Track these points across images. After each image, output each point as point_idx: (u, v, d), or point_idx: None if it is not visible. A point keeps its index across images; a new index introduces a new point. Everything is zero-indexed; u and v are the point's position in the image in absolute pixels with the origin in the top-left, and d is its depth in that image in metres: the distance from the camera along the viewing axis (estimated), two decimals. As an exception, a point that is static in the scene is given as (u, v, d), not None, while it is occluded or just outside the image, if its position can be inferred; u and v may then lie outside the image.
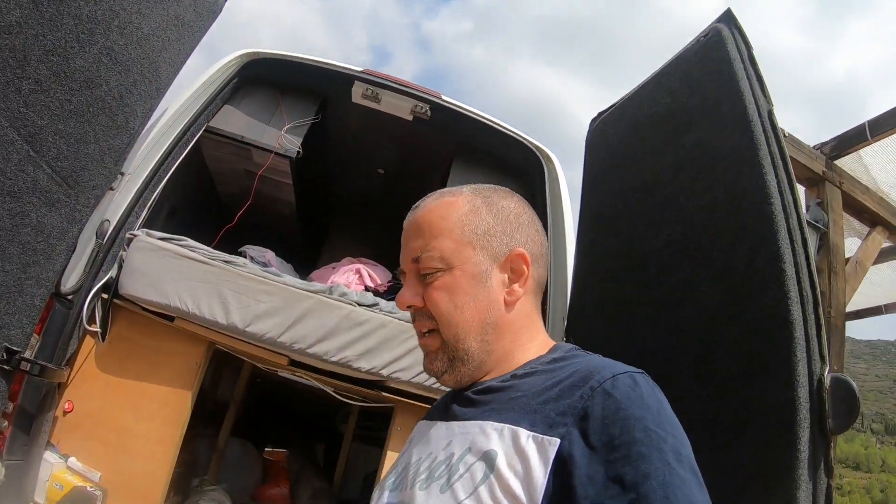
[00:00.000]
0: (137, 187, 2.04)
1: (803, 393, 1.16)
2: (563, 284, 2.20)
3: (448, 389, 0.96)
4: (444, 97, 2.56)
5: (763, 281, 1.29)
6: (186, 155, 2.27)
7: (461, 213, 0.87)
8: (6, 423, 1.61)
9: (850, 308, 4.53)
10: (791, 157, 2.71)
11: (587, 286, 2.04)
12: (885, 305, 4.42)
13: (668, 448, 0.64)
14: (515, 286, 0.87)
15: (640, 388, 0.70)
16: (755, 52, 1.57)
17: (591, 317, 1.96)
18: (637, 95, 2.04)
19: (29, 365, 1.56)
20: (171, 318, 2.00)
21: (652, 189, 1.79)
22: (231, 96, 2.44)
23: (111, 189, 1.92)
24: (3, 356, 1.43)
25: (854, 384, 1.22)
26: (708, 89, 1.63)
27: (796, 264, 1.26)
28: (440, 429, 0.84)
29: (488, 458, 0.70)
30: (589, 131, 2.26)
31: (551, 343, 0.90)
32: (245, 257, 2.59)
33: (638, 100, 2.01)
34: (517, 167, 2.69)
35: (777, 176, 1.37)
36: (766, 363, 1.25)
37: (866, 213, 3.07)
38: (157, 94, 1.93)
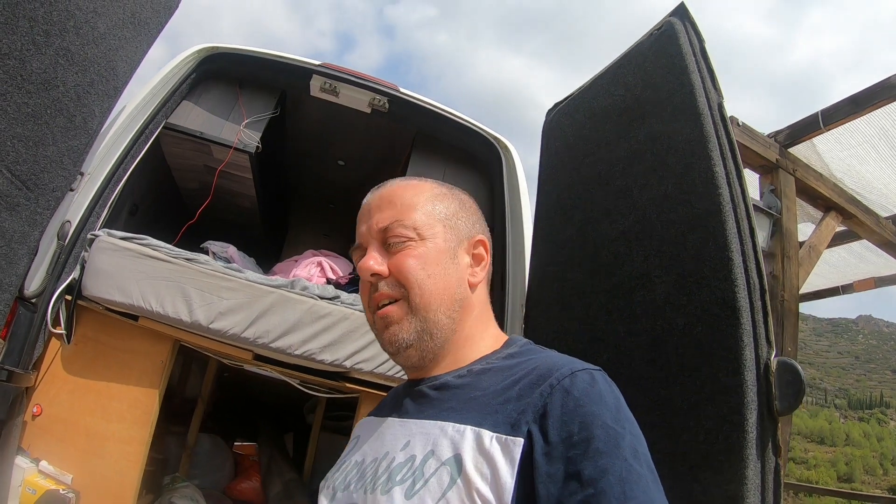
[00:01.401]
0: (97, 187, 2.02)
1: (750, 377, 1.22)
2: (521, 273, 2.27)
3: (403, 378, 0.96)
4: (401, 89, 2.59)
5: (712, 269, 1.35)
6: (146, 153, 2.25)
7: (431, 195, 0.89)
8: (-25, 430, 1.60)
9: (809, 289, 4.81)
10: (745, 145, 2.88)
11: (545, 275, 2.10)
12: (841, 286, 4.70)
13: (625, 445, 0.65)
14: (478, 269, 0.89)
15: (598, 385, 0.71)
16: (707, 45, 1.63)
17: (549, 305, 2.02)
18: (593, 87, 2.09)
19: (-4, 371, 1.55)
20: (136, 318, 1.99)
21: (607, 180, 1.84)
22: (189, 92, 2.41)
23: (71, 190, 1.89)
24: (-29, 362, 1.43)
25: (799, 367, 1.27)
26: (661, 82, 1.68)
27: (744, 253, 1.32)
28: (393, 426, 0.83)
29: (454, 462, 0.69)
30: (545, 121, 2.31)
31: (504, 336, 0.91)
32: (207, 253, 2.58)
33: (594, 91, 2.07)
34: (475, 157, 2.75)
35: (726, 167, 1.43)
36: (714, 348, 1.30)
37: (820, 199, 3.25)
38: (115, 92, 1.91)
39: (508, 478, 0.65)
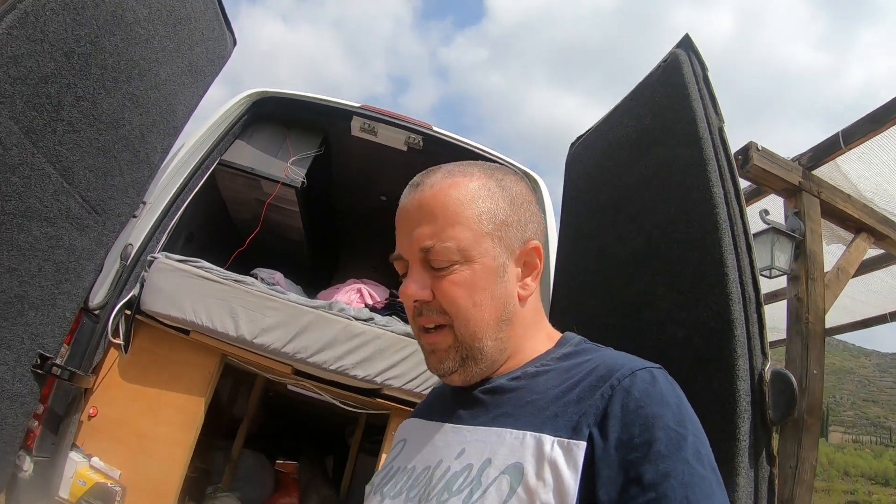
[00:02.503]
0: (157, 215, 2.27)
1: (743, 386, 1.24)
2: (546, 301, 2.35)
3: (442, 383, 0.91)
4: (434, 128, 2.78)
5: (709, 285, 1.39)
6: (202, 185, 2.51)
7: (478, 200, 0.79)
8: (36, 423, 1.82)
9: (853, 318, 4.59)
10: (766, 169, 2.87)
11: (566, 302, 2.17)
12: (889, 313, 4.46)
13: (687, 447, 0.62)
14: (528, 280, 0.82)
15: (658, 384, 0.68)
16: (709, 73, 1.69)
17: (569, 328, 2.09)
18: (609, 119, 2.20)
19: (59, 370, 1.77)
20: (187, 332, 2.20)
21: (620, 206, 1.92)
22: (242, 132, 2.68)
23: (134, 216, 2.15)
24: (36, 361, 1.65)
25: (792, 377, 1.29)
26: (667, 111, 1.76)
27: (739, 268, 1.36)
28: (445, 432, 0.79)
29: (514, 471, 0.66)
30: (568, 154, 2.42)
31: (557, 334, 0.87)
32: (256, 279, 2.81)
33: (609, 123, 2.17)
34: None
35: (724, 187, 1.47)
36: (710, 359, 1.33)
37: (850, 221, 3.17)
38: (175, 131, 2.17)
39: (572, 483, 0.63)
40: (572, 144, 2.45)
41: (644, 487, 0.59)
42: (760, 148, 2.77)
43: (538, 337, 0.84)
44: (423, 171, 0.83)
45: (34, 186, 1.56)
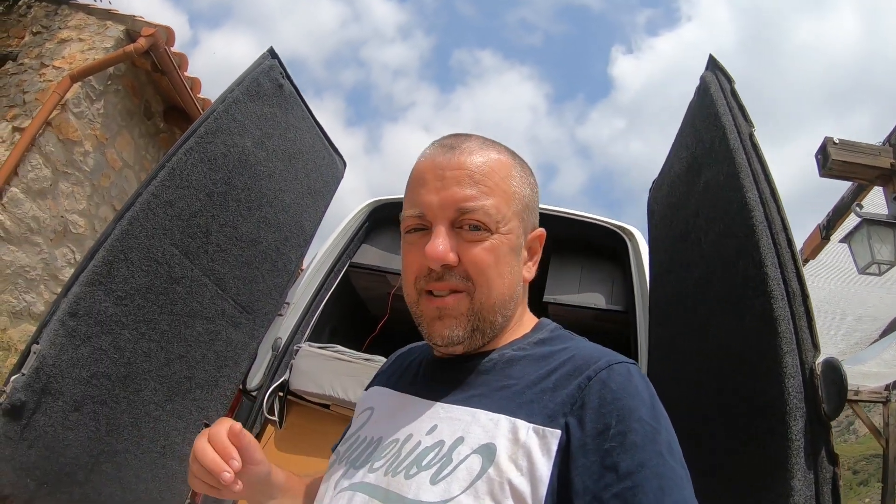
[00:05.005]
0: (300, 312, 2.77)
1: (792, 383, 1.22)
2: (645, 342, 2.34)
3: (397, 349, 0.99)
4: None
5: (754, 287, 1.41)
6: (338, 285, 3.01)
7: (513, 178, 0.81)
8: (204, 483, 2.27)
9: None
10: (849, 161, 2.58)
11: (657, 336, 2.18)
12: None
13: (661, 440, 0.64)
14: (530, 263, 0.85)
15: (634, 378, 0.69)
16: (736, 85, 1.76)
17: (659, 360, 2.09)
18: (670, 157, 2.29)
19: (221, 436, 2.23)
20: (328, 406, 2.59)
21: (686, 236, 1.97)
22: (366, 236, 3.18)
23: (280, 315, 2.68)
24: (203, 429, 2.12)
25: (840, 364, 1.24)
26: (704, 133, 1.85)
27: (781, 265, 1.37)
28: (418, 407, 0.80)
29: (486, 451, 0.67)
30: (648, 198, 2.51)
31: (534, 319, 0.88)
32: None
33: (671, 160, 2.26)
34: (606, 249, 2.95)
35: (759, 189, 1.51)
36: (759, 360, 1.33)
37: None
38: (305, 243, 2.71)
39: (545, 470, 0.64)
40: (650, 188, 2.53)
41: (620, 476, 0.61)
42: (838, 141, 2.52)
43: (523, 320, 0.86)
44: (451, 135, 0.84)
45: (195, 293, 2.11)
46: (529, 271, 0.84)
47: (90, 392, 1.77)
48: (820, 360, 1.24)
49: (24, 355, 1.61)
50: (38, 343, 1.62)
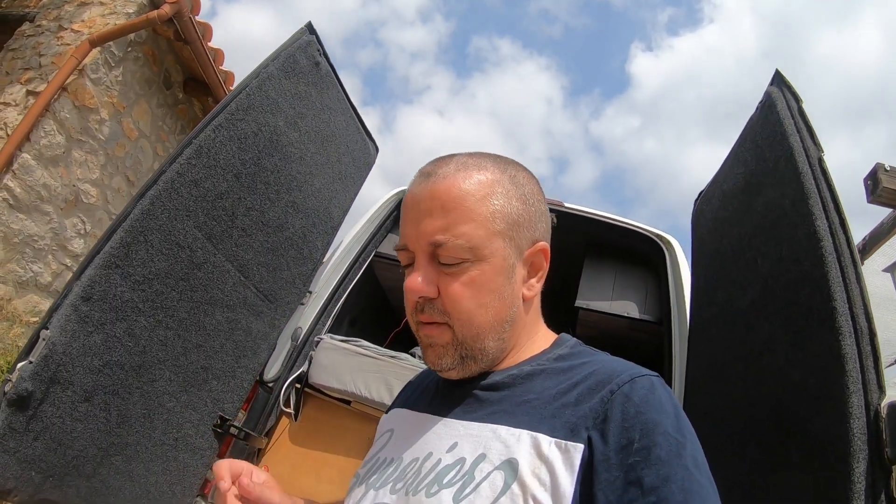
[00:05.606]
0: (322, 302, 2.65)
1: (856, 424, 1.16)
2: (682, 357, 2.22)
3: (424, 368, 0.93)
4: (566, 204, 2.86)
5: (819, 321, 1.34)
6: (362, 275, 2.87)
7: (492, 197, 0.77)
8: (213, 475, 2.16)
9: None
10: None
11: (698, 353, 2.07)
12: None
13: (686, 454, 0.62)
14: (533, 281, 0.82)
15: (657, 391, 0.68)
16: (804, 104, 1.65)
17: (699, 377, 1.98)
18: (722, 170, 2.16)
19: (236, 430, 2.11)
20: (349, 402, 2.47)
21: (738, 254, 1.88)
22: (393, 226, 3.04)
23: (302, 304, 2.54)
24: (217, 422, 2.00)
25: None
26: (767, 151, 1.74)
27: (849, 300, 1.30)
28: (437, 426, 0.78)
29: (509, 467, 0.65)
30: (693, 211, 2.37)
31: (553, 335, 0.86)
32: (413, 356, 3.04)
33: (723, 174, 2.13)
34: (642, 255, 2.81)
35: (829, 219, 1.42)
36: (824, 397, 1.27)
37: None
38: (332, 230, 2.57)
39: (568, 484, 0.62)
40: (695, 200, 2.40)
41: (644, 491, 0.59)
42: (889, 168, 2.36)
43: (536, 336, 0.84)
44: (435, 160, 0.81)
45: (217, 280, 1.97)
46: (531, 289, 0.81)
47: (102, 382, 1.65)
48: (885, 402, 1.19)
49: (32, 341, 1.49)
50: (47, 329, 1.49)
